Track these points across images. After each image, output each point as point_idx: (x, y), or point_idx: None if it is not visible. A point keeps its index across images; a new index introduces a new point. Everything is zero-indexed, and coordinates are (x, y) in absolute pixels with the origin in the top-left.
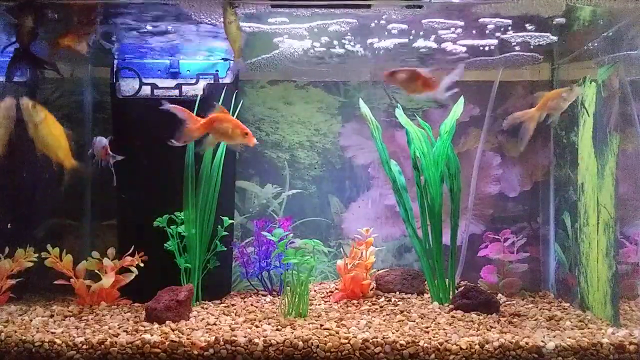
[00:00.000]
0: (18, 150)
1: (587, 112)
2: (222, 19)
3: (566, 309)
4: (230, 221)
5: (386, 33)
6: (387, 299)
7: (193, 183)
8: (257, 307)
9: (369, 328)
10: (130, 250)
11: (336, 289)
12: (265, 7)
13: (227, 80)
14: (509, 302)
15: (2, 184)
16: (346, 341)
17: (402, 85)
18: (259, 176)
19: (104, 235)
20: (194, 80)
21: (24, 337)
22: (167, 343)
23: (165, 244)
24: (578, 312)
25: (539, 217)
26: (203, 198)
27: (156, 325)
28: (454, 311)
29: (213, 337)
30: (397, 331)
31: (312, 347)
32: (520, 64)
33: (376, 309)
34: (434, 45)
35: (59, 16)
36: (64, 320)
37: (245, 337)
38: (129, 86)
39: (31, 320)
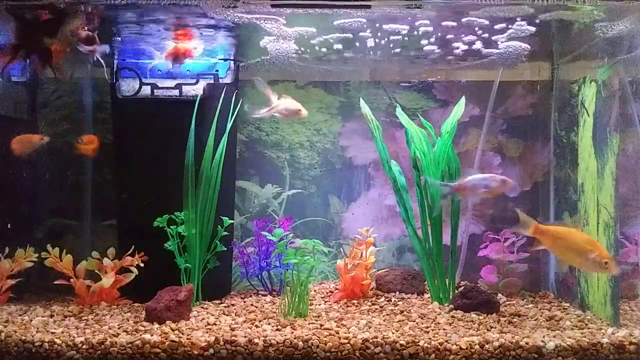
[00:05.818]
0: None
1: (587, 112)
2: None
3: (566, 309)
4: (230, 221)
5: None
6: (387, 299)
7: (193, 183)
8: (257, 307)
9: (369, 328)
10: (130, 250)
11: (336, 289)
12: (264, 6)
13: (227, 80)
14: (509, 302)
15: (3, 184)
16: (346, 341)
17: None
18: (259, 176)
19: (104, 235)
20: (194, 80)
21: (24, 337)
22: (167, 343)
23: (165, 244)
24: (578, 312)
25: (539, 217)
26: (203, 198)
27: (156, 325)
28: (454, 311)
29: (213, 337)
30: (397, 331)
31: (312, 347)
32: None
33: (376, 309)
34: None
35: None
36: (64, 320)
37: (245, 337)
38: (129, 86)
39: (31, 320)
